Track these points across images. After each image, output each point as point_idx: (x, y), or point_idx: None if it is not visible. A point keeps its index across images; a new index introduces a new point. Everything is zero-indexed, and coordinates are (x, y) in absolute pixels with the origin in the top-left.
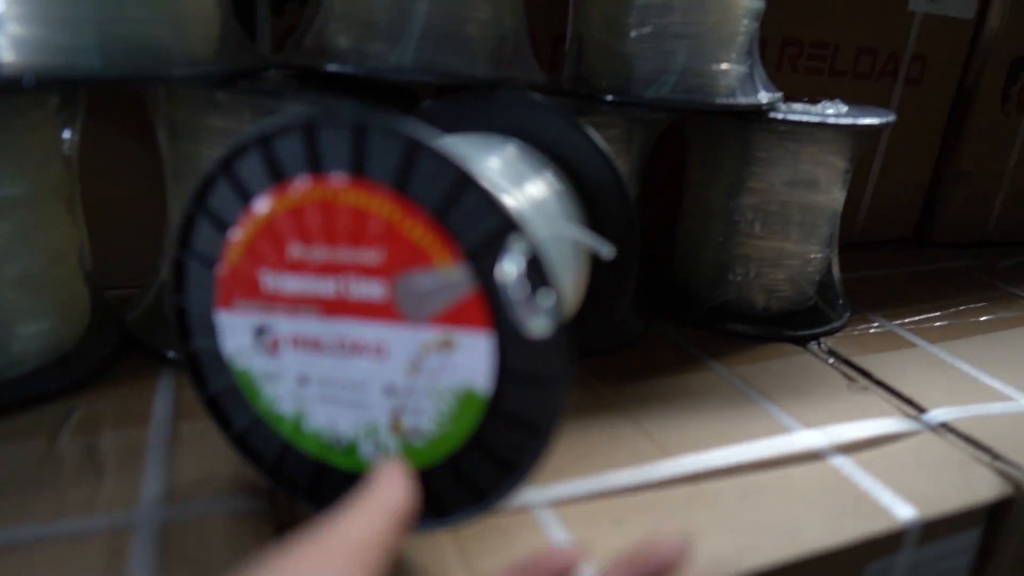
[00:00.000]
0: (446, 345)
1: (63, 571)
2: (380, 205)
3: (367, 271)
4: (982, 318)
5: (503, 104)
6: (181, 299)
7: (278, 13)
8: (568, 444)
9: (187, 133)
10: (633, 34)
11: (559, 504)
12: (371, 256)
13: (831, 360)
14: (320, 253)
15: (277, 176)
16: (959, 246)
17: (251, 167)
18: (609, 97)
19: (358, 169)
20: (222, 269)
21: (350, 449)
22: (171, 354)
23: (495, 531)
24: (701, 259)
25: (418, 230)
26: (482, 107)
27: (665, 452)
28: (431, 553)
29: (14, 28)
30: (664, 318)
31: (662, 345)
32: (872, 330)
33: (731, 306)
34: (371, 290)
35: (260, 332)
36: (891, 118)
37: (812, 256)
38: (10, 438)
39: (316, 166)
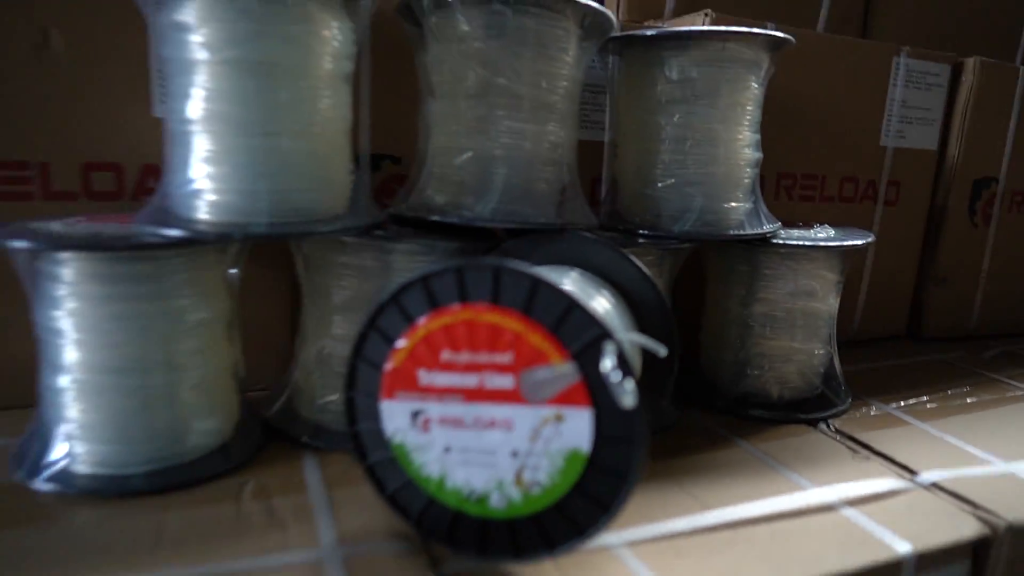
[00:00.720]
0: (558, 419)
1: None
2: (511, 322)
3: (500, 368)
4: (967, 400)
5: (566, 241)
6: (352, 393)
7: (376, 168)
8: (633, 501)
9: (320, 267)
10: (660, 184)
11: (632, 544)
12: (503, 358)
13: (837, 437)
14: (465, 356)
15: (434, 304)
16: (946, 340)
17: (414, 297)
18: (643, 231)
19: (495, 298)
20: (387, 370)
21: (482, 500)
22: (305, 439)
23: (587, 563)
24: (723, 358)
25: (538, 338)
26: (551, 244)
27: (707, 506)
28: (540, 568)
29: (209, 196)
30: (694, 407)
31: (695, 429)
32: (871, 412)
33: (751, 396)
34: (503, 382)
35: (415, 415)
36: (871, 238)
37: (816, 352)
38: (203, 504)
39: (464, 297)
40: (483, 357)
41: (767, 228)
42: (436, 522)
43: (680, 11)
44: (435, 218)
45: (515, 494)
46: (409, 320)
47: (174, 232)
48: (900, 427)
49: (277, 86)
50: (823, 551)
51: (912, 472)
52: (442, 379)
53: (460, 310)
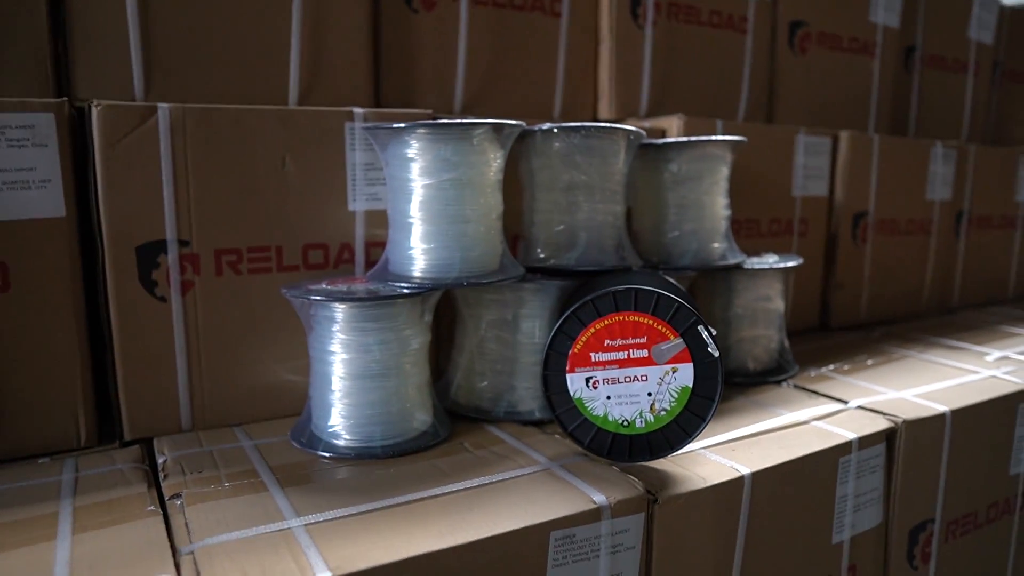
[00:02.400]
0: (674, 371)
1: (536, 484)
2: (645, 320)
3: (639, 346)
4: (867, 362)
5: (630, 273)
6: (547, 372)
7: None
8: None
9: (475, 301)
10: (669, 235)
11: (708, 447)
12: (641, 340)
13: (795, 389)
14: (619, 341)
15: (599, 313)
16: (845, 328)
17: (586, 311)
18: (662, 266)
19: (636, 307)
20: (570, 355)
21: (631, 424)
22: (472, 415)
23: (687, 459)
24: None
25: (661, 327)
26: (622, 275)
27: (736, 427)
28: (663, 464)
29: (420, 262)
30: None
31: None
32: (812, 374)
33: (735, 370)
34: (642, 353)
35: (588, 380)
36: (800, 261)
37: (774, 337)
38: (447, 455)
39: (617, 307)
40: (629, 340)
41: (738, 259)
42: (600, 444)
43: (652, 110)
44: (551, 265)
45: (650, 418)
46: (583, 324)
47: (405, 285)
48: (831, 381)
49: (465, 194)
50: (809, 441)
51: (845, 402)
52: (604, 356)
53: (615, 315)
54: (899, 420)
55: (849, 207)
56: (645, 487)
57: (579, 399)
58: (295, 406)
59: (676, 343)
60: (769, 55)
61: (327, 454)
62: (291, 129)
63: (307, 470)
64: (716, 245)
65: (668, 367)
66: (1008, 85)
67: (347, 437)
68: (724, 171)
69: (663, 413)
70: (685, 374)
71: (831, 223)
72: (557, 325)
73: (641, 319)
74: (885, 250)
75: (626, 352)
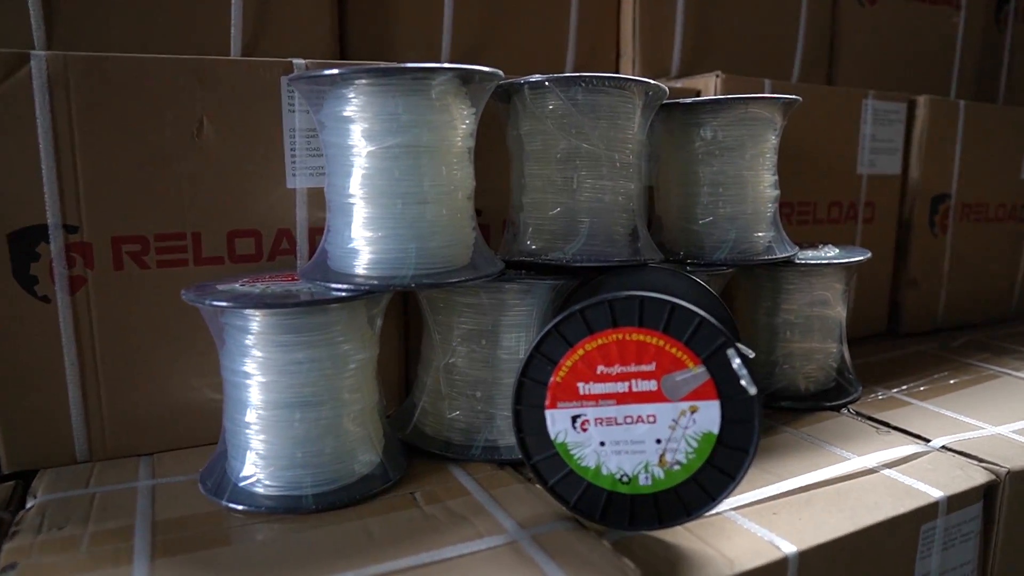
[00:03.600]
0: (693, 410)
1: (492, 568)
2: (654, 339)
3: (645, 375)
4: (950, 381)
5: (646, 271)
6: (519, 406)
7: None
8: None
9: (444, 307)
10: (701, 221)
11: (737, 508)
12: (648, 367)
13: (859, 418)
14: (616, 368)
15: (590, 330)
16: (918, 335)
17: (573, 326)
18: (691, 260)
19: (641, 322)
20: (550, 385)
21: (632, 480)
22: (437, 451)
23: (709, 524)
24: (755, 360)
25: (675, 350)
26: (635, 274)
27: (781, 477)
28: (675, 535)
29: (366, 255)
30: None
31: None
32: (879, 397)
33: (782, 390)
34: (648, 385)
35: (575, 419)
36: (868, 255)
37: (831, 350)
38: (388, 511)
39: (615, 323)
40: (631, 368)
41: (789, 252)
42: (591, 504)
43: (686, 69)
44: (544, 259)
45: (659, 472)
46: (569, 344)
47: (344, 287)
48: (905, 407)
49: (423, 164)
50: (879, 501)
51: (926, 440)
52: (597, 388)
53: (612, 332)
54: (1002, 470)
55: (927, 188)
56: None
57: (562, 444)
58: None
59: (697, 372)
60: (831, 4)
61: (237, 506)
62: (210, 85)
63: (201, 530)
64: (760, 234)
65: (685, 405)
66: None
67: (266, 483)
68: (772, 140)
69: (677, 467)
70: (708, 415)
71: (904, 207)
72: (533, 345)
73: (648, 338)
74: (969, 241)
75: (627, 383)
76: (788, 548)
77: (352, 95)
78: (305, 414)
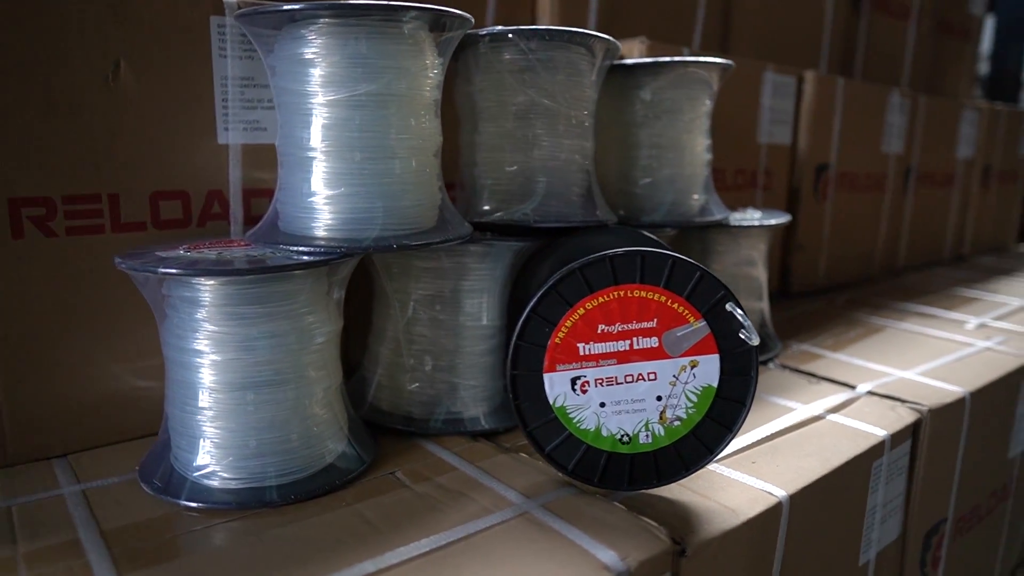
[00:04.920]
0: (693, 364)
1: (516, 541)
2: (655, 295)
3: (647, 332)
4: (850, 334)
5: (606, 232)
6: (516, 372)
7: None
8: None
9: (401, 273)
10: (640, 183)
11: (716, 460)
12: (649, 324)
13: (787, 371)
14: (617, 327)
15: (591, 289)
16: (806, 295)
17: (571, 285)
18: (630, 222)
19: (642, 278)
20: (549, 347)
21: (633, 439)
22: (400, 426)
23: (696, 477)
24: None
25: (677, 305)
26: (596, 234)
27: (746, 430)
28: (671, 491)
29: (327, 216)
30: None
31: None
32: (794, 351)
33: None
34: (649, 342)
35: (574, 381)
36: (789, 218)
37: (756, 309)
38: (375, 494)
39: (616, 280)
40: (633, 325)
41: (723, 215)
42: (590, 467)
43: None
44: (499, 218)
45: (659, 429)
46: (568, 304)
47: (307, 249)
48: (822, 360)
49: (391, 114)
50: (837, 444)
51: (851, 387)
52: (598, 348)
53: (614, 290)
54: (924, 408)
55: (812, 158)
56: (669, 535)
57: (562, 408)
58: (149, 424)
59: (697, 327)
60: None
61: (195, 504)
62: (127, 22)
63: (166, 535)
64: (696, 196)
65: (685, 360)
66: (940, 36)
67: (224, 476)
68: (707, 104)
69: (677, 423)
70: (708, 369)
71: (793, 176)
72: (530, 306)
73: (650, 294)
74: (844, 208)
75: (628, 341)
76: (779, 493)
77: (312, 35)
78: (266, 395)
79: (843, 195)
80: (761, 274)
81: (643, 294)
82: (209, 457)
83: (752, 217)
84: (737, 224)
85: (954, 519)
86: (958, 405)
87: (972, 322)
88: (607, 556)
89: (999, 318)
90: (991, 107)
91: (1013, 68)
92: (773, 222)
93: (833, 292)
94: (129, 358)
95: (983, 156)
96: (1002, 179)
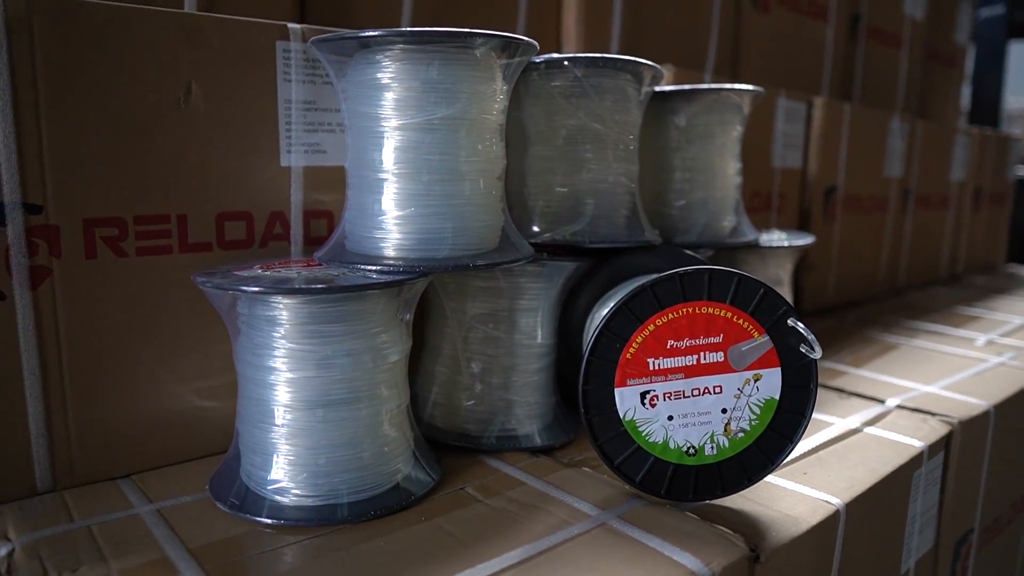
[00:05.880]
0: (756, 378)
1: (603, 550)
2: (722, 311)
3: (713, 347)
4: (866, 352)
5: (656, 252)
6: (587, 386)
7: None
8: None
9: (457, 291)
10: (675, 205)
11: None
12: (716, 339)
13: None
14: (686, 342)
15: (661, 305)
16: (816, 313)
17: (642, 302)
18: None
19: (709, 295)
20: (620, 362)
21: (699, 451)
22: (455, 443)
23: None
24: None
25: (742, 320)
26: (644, 254)
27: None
28: (732, 501)
29: (395, 236)
30: None
31: None
32: (822, 367)
33: None
34: (716, 357)
35: (644, 395)
36: (813, 239)
37: None
38: (451, 509)
39: (685, 297)
40: (700, 340)
41: (754, 236)
42: (656, 479)
43: None
44: (560, 239)
45: (724, 441)
46: (639, 320)
47: (379, 268)
48: (847, 376)
49: (461, 138)
50: (881, 454)
51: (881, 401)
52: (667, 363)
53: (683, 307)
54: (954, 421)
55: (821, 181)
56: (745, 542)
57: (631, 422)
58: (210, 444)
59: (761, 342)
60: (735, 10)
61: (273, 520)
62: (199, 46)
63: (252, 552)
64: (728, 218)
65: (749, 374)
66: (929, 64)
67: (298, 493)
68: (739, 129)
69: (740, 435)
70: (771, 382)
71: (804, 198)
72: (602, 322)
73: (717, 311)
74: (850, 229)
75: (696, 356)
76: (836, 501)
77: (387, 61)
78: (341, 413)
79: (849, 217)
80: (787, 293)
81: (710, 310)
82: (283, 474)
83: (778, 238)
84: (767, 245)
85: (980, 530)
86: (984, 417)
87: (981, 339)
88: (691, 562)
89: (1005, 335)
90: (981, 132)
91: (993, 94)
92: (800, 243)
93: (841, 311)
94: (190, 378)
95: (974, 179)
96: (992, 201)
